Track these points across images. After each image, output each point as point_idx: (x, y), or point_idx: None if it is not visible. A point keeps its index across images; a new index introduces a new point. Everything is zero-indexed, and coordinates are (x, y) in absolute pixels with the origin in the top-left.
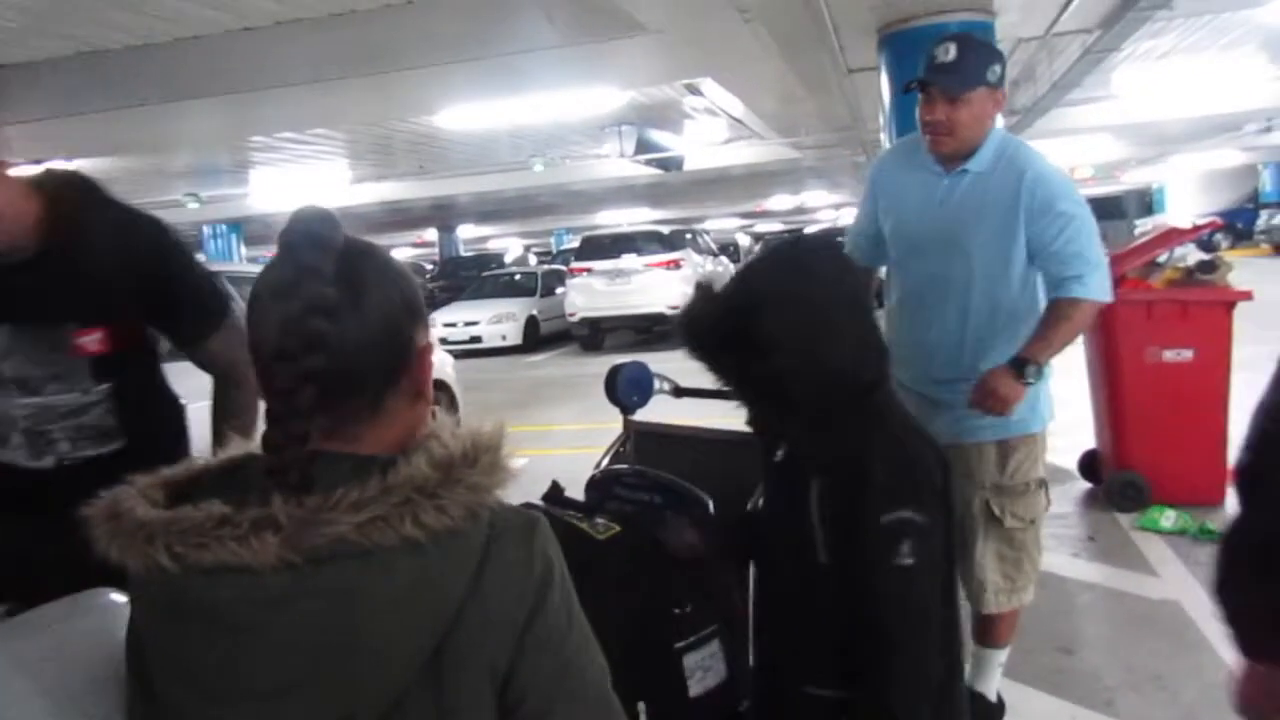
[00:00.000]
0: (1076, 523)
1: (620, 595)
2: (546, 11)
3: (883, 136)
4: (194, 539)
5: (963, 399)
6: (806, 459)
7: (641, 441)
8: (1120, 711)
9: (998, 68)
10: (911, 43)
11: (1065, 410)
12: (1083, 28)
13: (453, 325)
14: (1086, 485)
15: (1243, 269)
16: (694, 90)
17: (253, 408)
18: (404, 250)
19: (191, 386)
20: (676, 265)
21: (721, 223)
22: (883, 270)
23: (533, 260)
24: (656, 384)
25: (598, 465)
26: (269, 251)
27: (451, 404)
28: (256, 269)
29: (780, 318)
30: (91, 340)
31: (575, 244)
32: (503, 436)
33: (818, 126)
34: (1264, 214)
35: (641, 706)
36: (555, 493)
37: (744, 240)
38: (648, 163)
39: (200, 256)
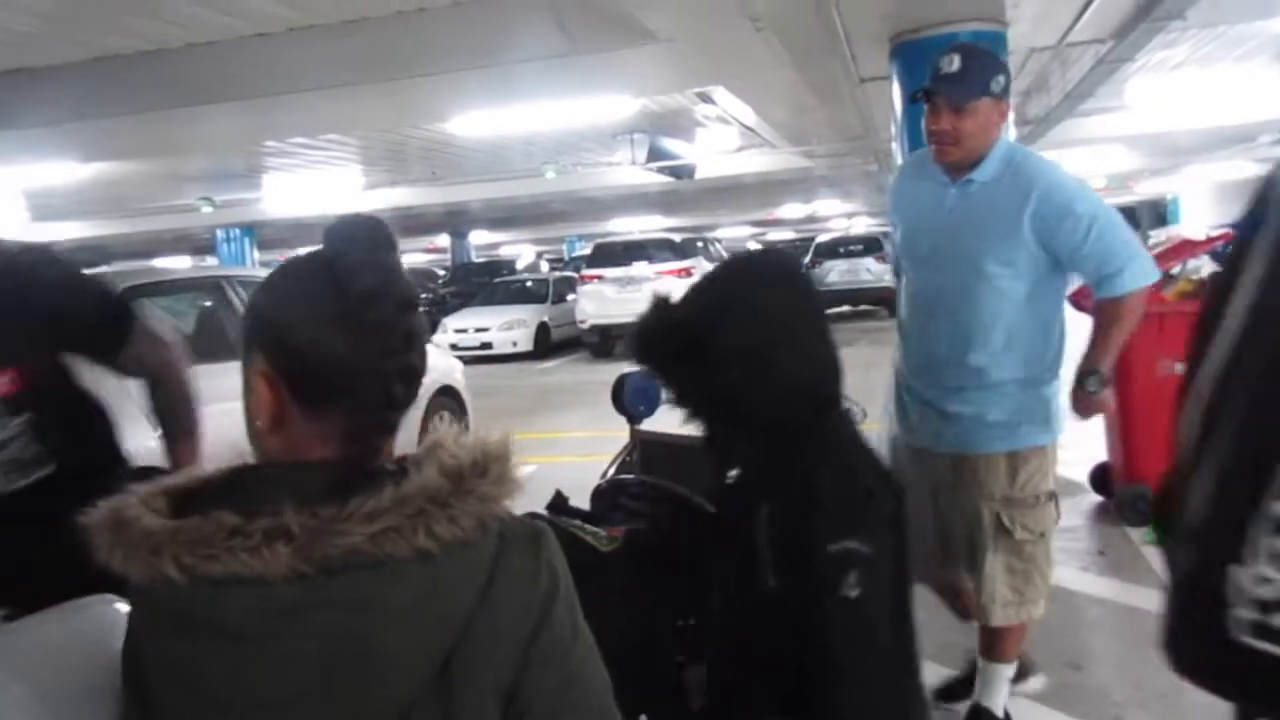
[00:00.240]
0: (1086, 536)
1: (623, 607)
2: (558, 20)
3: (894, 146)
4: (204, 550)
5: (971, 408)
6: (757, 480)
7: (648, 451)
8: None
9: (1002, 78)
10: (923, 52)
11: (1077, 423)
12: (1096, 38)
13: (463, 331)
14: (1097, 498)
15: None
16: (706, 99)
17: (188, 403)
18: (416, 255)
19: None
20: (688, 273)
21: (733, 231)
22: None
23: (545, 267)
24: (664, 393)
25: (603, 474)
26: (281, 255)
27: (460, 410)
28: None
29: (736, 330)
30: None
31: (587, 251)
32: (510, 446)
33: (829, 135)
34: None
35: (643, 719)
36: (559, 502)
37: (755, 248)
38: (660, 170)
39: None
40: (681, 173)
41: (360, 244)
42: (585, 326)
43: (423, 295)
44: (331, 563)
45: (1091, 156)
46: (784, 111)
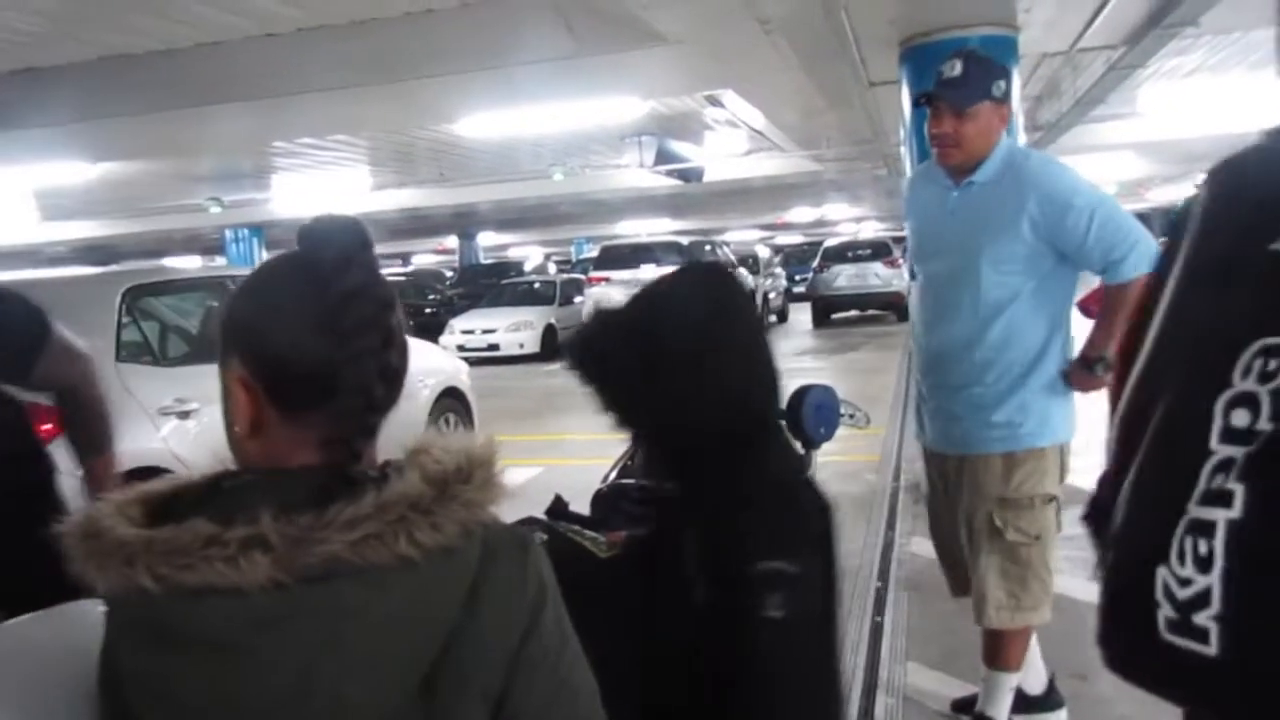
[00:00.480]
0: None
1: (620, 613)
2: (565, 22)
3: (903, 150)
4: (179, 560)
5: (972, 408)
6: (688, 494)
7: None
8: None
9: (1003, 83)
10: (933, 57)
11: (1088, 430)
12: (1108, 44)
13: (470, 333)
14: None
15: None
16: (714, 102)
17: (102, 419)
18: (425, 256)
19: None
20: None
21: (742, 234)
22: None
23: (552, 269)
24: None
25: (604, 479)
26: None
27: (466, 411)
28: None
29: (673, 342)
30: None
31: (595, 253)
32: (495, 451)
33: (839, 139)
34: None
35: None
36: (559, 506)
37: (763, 252)
38: (668, 173)
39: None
40: (690, 175)
41: (337, 244)
42: None
43: (430, 296)
44: (311, 572)
45: (1103, 163)
46: (793, 115)
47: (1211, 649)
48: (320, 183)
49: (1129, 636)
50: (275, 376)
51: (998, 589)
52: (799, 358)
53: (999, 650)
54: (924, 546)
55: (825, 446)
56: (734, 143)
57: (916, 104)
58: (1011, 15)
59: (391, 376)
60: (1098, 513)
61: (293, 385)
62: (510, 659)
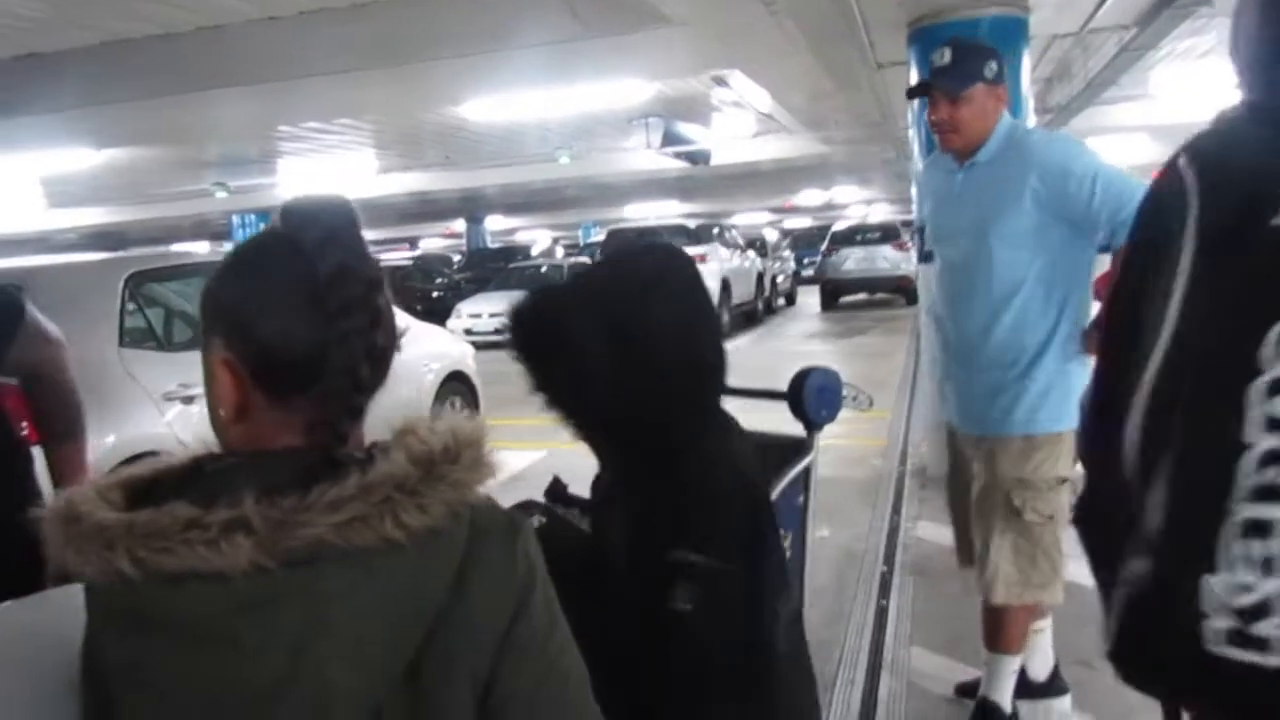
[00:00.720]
0: None
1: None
2: (570, 4)
3: (910, 133)
4: (159, 544)
5: (989, 389)
6: (617, 479)
7: None
8: None
9: (994, 64)
10: (941, 38)
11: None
12: (1119, 24)
13: (478, 316)
14: None
15: None
16: (721, 83)
17: (71, 404)
18: (433, 240)
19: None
20: (703, 260)
21: (750, 217)
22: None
23: (560, 253)
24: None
25: None
26: None
27: (471, 395)
28: None
29: (611, 323)
30: None
31: (601, 237)
32: (484, 432)
33: (847, 121)
34: None
35: None
36: (558, 489)
37: (771, 235)
38: (675, 156)
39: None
40: (697, 158)
41: (322, 222)
42: None
43: (437, 280)
44: (295, 555)
45: (1115, 146)
46: (801, 96)
47: (1276, 659)
48: (326, 167)
49: (1162, 650)
50: (260, 359)
51: (1010, 566)
52: (807, 341)
53: (1000, 631)
54: (930, 531)
55: (832, 430)
56: (742, 125)
57: (911, 96)
58: None
59: (378, 357)
60: (1094, 515)
61: (278, 368)
62: (498, 642)
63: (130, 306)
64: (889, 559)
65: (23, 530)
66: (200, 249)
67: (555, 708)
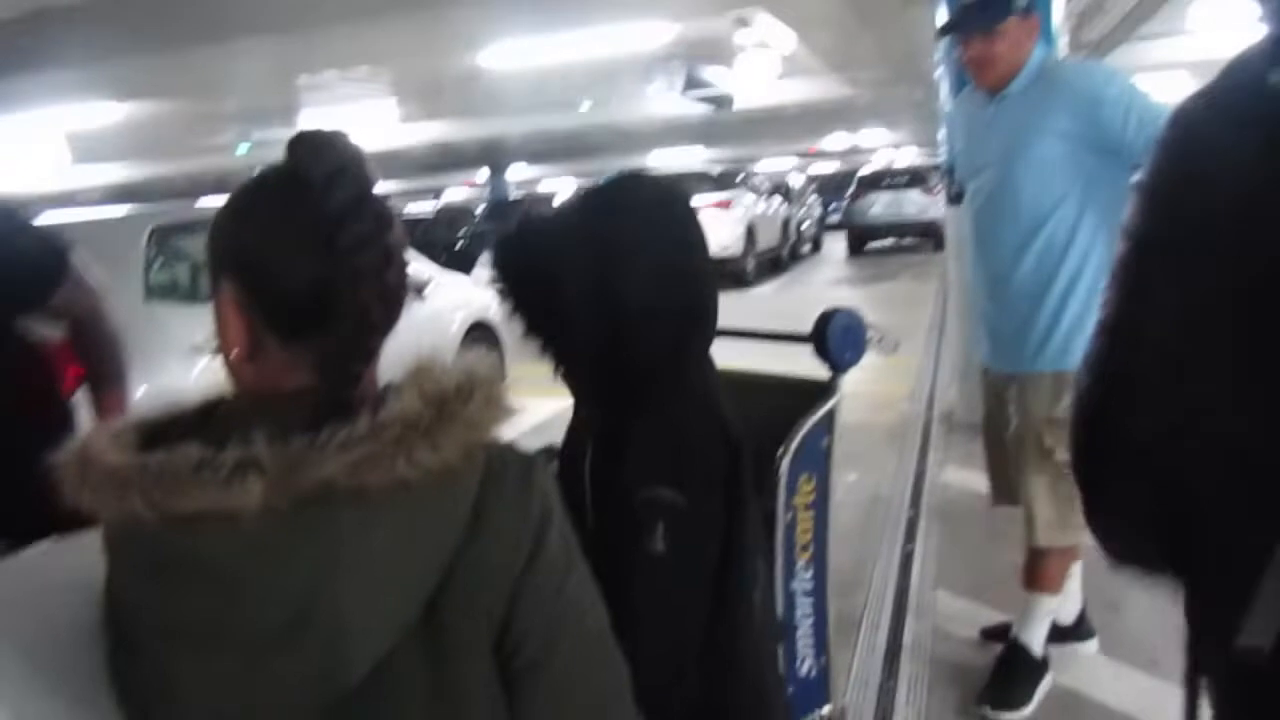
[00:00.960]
0: None
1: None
2: None
3: (939, 72)
4: (172, 485)
5: (1020, 325)
6: (592, 415)
7: None
8: (1164, 673)
9: None
10: None
11: None
12: None
13: None
14: None
15: None
16: (744, 24)
17: (117, 350)
18: (456, 190)
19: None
20: (727, 206)
21: (776, 163)
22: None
23: None
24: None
25: None
26: None
27: (496, 344)
28: None
29: (594, 250)
30: None
31: None
32: (498, 372)
33: (874, 61)
34: None
35: None
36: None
37: (797, 180)
38: (699, 100)
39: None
40: (721, 103)
41: (330, 158)
42: None
43: (461, 230)
44: (307, 496)
45: (1153, 84)
46: (826, 35)
47: None
48: (348, 118)
49: None
50: (269, 300)
51: (1047, 507)
52: (833, 287)
53: (1038, 571)
54: (956, 476)
55: (859, 376)
56: (766, 67)
57: (941, 34)
58: None
59: (390, 297)
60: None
61: (287, 308)
62: (515, 581)
63: (155, 260)
64: (915, 503)
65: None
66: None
67: (572, 646)
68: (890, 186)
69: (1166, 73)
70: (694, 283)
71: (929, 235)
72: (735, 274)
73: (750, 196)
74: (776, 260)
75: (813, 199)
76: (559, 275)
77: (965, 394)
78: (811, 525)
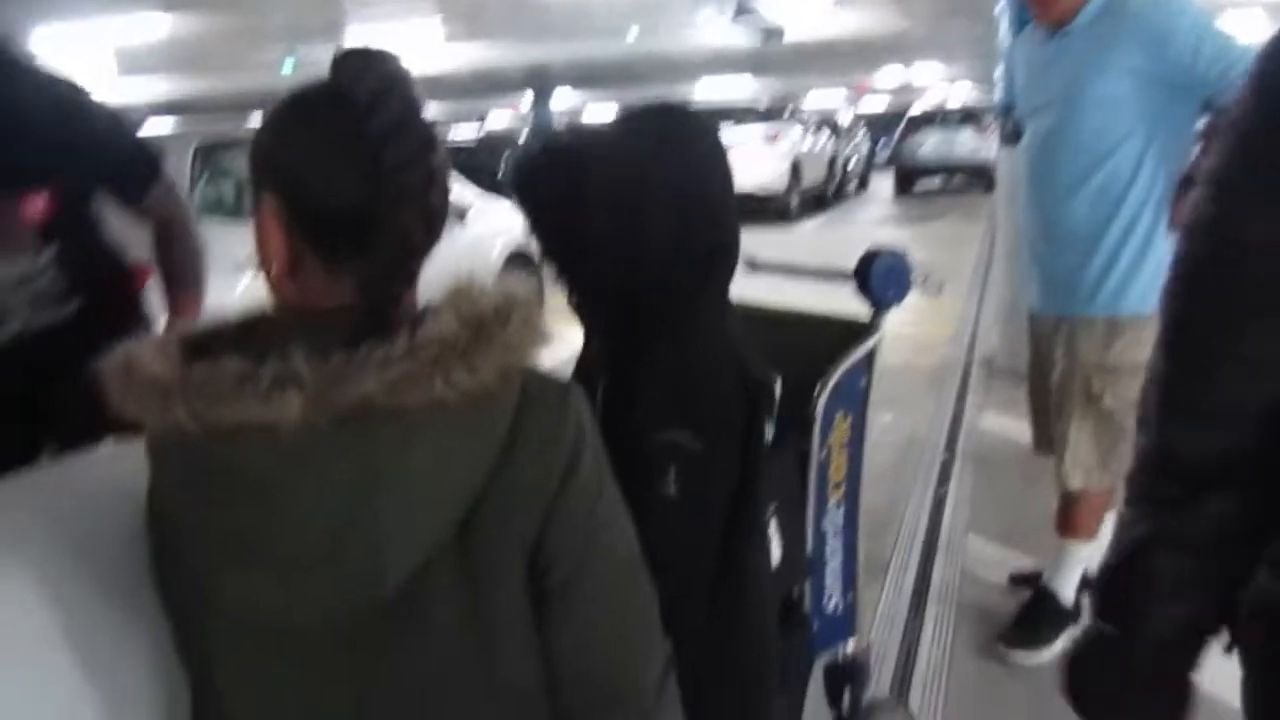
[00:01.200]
0: None
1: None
2: None
3: (999, 7)
4: (212, 397)
5: (1073, 268)
6: (604, 352)
7: None
8: None
9: None
10: None
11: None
12: None
13: None
14: None
15: None
16: None
17: (197, 256)
18: (500, 114)
19: None
20: (773, 140)
21: (825, 98)
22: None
23: None
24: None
25: None
26: None
27: (535, 273)
28: None
29: (617, 177)
30: (35, 205)
31: None
32: (536, 296)
33: None
34: None
35: None
36: None
37: (846, 117)
38: (748, 30)
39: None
40: (770, 35)
41: (375, 78)
42: None
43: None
44: (345, 413)
45: (1226, 24)
46: None
47: None
48: (394, 36)
49: None
50: (310, 217)
51: (1089, 452)
52: (878, 226)
53: (1072, 516)
54: (994, 421)
55: (902, 318)
56: None
57: None
58: None
59: (432, 219)
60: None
61: (328, 226)
62: (548, 504)
63: (201, 177)
64: (951, 447)
65: None
66: None
67: (602, 570)
68: (943, 124)
69: (1242, 10)
70: (720, 220)
71: (980, 176)
72: (779, 210)
73: (797, 131)
74: (821, 197)
75: (861, 136)
76: (583, 200)
77: (1008, 339)
78: (845, 464)
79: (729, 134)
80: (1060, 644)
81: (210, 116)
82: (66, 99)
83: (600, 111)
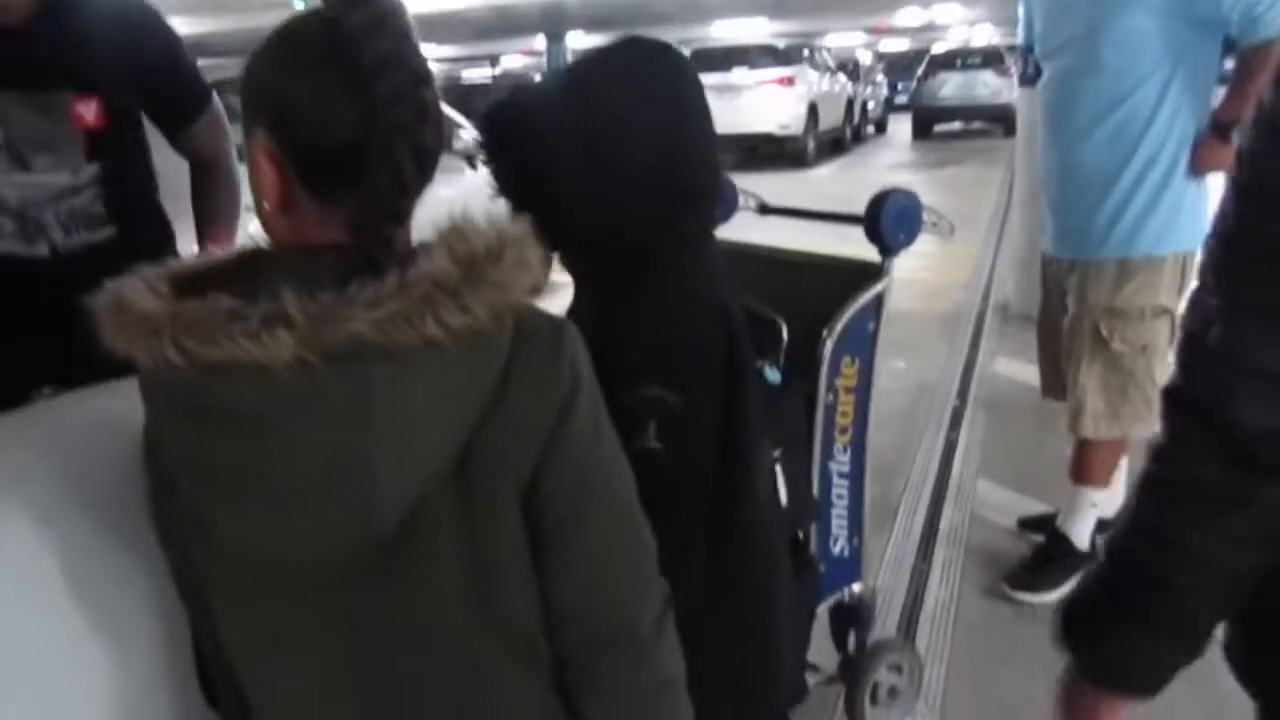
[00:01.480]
0: None
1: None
2: None
3: None
4: (203, 334)
5: (1089, 208)
6: (581, 303)
7: None
8: None
9: None
10: None
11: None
12: None
13: None
14: None
15: None
16: None
17: (235, 195)
18: (516, 58)
19: None
20: (790, 82)
21: (844, 39)
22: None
23: None
24: (741, 200)
25: None
26: None
27: None
28: None
29: (585, 120)
30: (87, 109)
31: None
32: (529, 233)
33: None
34: None
35: None
36: None
37: (865, 57)
38: None
39: None
40: None
41: (370, 8)
42: None
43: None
44: (337, 351)
45: None
46: None
47: None
48: None
49: None
50: (302, 150)
51: (1097, 398)
52: (895, 171)
53: (1084, 462)
54: (1006, 367)
55: (915, 263)
56: None
57: None
58: None
59: (425, 156)
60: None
61: (319, 160)
62: (542, 444)
63: None
64: (963, 393)
65: None
66: None
67: (599, 509)
68: (963, 67)
69: None
70: (694, 158)
71: (1000, 120)
72: (795, 154)
73: (814, 73)
74: (838, 141)
75: (880, 78)
76: (548, 144)
77: (1022, 285)
78: (852, 409)
79: (745, 75)
80: (1069, 587)
81: (226, 59)
82: (135, 7)
83: None
